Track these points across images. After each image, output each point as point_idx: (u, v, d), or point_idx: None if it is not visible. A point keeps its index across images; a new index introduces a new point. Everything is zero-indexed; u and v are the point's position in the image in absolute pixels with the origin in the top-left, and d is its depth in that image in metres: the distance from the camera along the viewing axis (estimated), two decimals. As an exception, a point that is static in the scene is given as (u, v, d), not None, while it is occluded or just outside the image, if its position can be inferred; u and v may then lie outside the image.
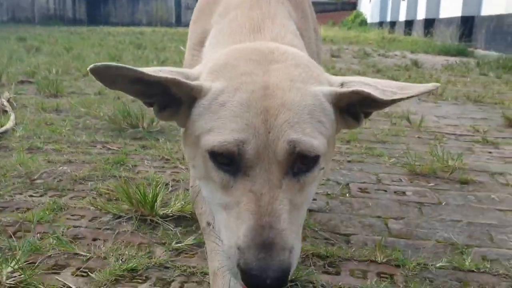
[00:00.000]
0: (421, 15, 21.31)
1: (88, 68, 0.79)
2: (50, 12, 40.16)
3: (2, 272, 1.33)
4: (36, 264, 1.43)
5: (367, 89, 0.88)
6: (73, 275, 1.40)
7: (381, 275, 1.49)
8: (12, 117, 3.24)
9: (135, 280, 1.40)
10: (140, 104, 3.61)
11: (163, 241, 1.63)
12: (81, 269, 1.43)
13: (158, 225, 1.74)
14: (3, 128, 2.95)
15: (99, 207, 1.83)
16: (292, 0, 1.21)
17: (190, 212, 1.80)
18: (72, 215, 1.81)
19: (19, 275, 1.34)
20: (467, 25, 15.80)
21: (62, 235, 1.61)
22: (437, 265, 1.54)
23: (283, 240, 0.75)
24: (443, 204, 2.07)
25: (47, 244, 1.54)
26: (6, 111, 3.50)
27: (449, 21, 17.38)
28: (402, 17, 24.62)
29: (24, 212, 1.80)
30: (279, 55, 0.90)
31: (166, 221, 1.76)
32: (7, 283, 1.32)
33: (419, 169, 2.47)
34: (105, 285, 1.35)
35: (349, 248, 1.64)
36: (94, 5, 46.92)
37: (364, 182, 2.33)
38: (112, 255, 1.50)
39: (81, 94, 4.51)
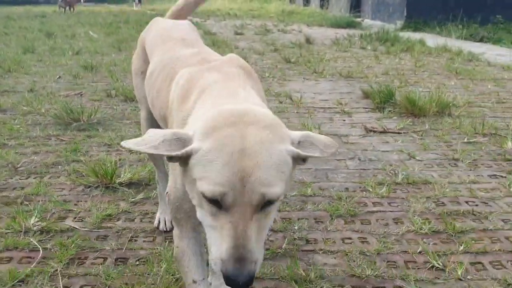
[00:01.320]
0: None
1: (122, 144, 1.14)
2: None
3: (30, 221, 2.21)
4: (47, 217, 2.32)
5: (316, 153, 1.20)
6: (73, 221, 2.31)
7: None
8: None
9: (112, 221, 2.34)
10: (80, 101, 4.37)
11: (123, 198, 2.56)
12: (76, 218, 2.34)
13: (117, 189, 2.67)
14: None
15: (73, 181, 2.72)
16: (252, 76, 1.52)
17: (137, 179, 2.75)
18: (56, 189, 2.67)
19: (41, 223, 2.23)
20: (356, -5, 17.01)
21: (56, 201, 2.50)
22: (292, 194, 2.63)
23: (251, 256, 1.05)
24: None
25: (49, 206, 2.43)
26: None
27: (342, -9, 18.52)
28: None
29: (22, 189, 2.65)
30: (252, 117, 1.15)
31: (122, 186, 2.69)
32: (34, 229, 2.20)
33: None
34: (95, 224, 2.28)
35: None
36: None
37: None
38: (94, 209, 2.42)
39: (15, 92, 5.12)
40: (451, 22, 11.48)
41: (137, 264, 1.96)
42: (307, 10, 20.71)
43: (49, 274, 1.88)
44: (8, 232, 2.19)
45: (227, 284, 1.06)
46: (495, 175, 2.90)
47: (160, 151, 1.12)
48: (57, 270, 1.90)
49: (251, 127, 1.12)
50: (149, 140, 1.14)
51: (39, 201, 2.50)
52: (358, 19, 15.27)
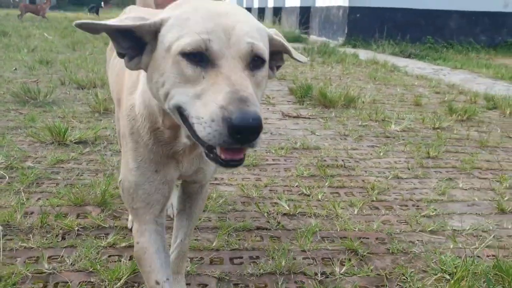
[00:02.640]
0: (270, 3, 23.12)
1: (74, 24, 1.03)
2: None
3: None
4: (10, 160, 2.91)
5: (289, 47, 1.15)
6: (32, 163, 2.92)
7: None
8: None
9: (63, 163, 2.95)
10: (36, 86, 4.89)
11: (73, 151, 3.18)
12: (34, 161, 2.95)
13: (68, 145, 3.28)
14: None
15: (34, 137, 3.32)
16: None
17: (85, 138, 3.37)
18: (17, 144, 3.26)
19: (5, 162, 2.82)
20: (305, 14, 18.08)
21: (17, 150, 3.09)
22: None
23: (254, 99, 0.90)
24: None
25: (12, 153, 3.02)
26: None
27: (292, 10, 19.58)
28: (255, 4, 26.29)
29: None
30: (223, 2, 1.12)
31: (72, 143, 3.31)
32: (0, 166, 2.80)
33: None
34: (49, 164, 2.89)
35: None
36: None
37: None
38: (49, 156, 3.03)
39: (-26, 78, 5.61)
40: (387, 40, 12.63)
41: (83, 186, 2.59)
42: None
43: (14, 191, 2.49)
44: (-21, 168, 2.78)
45: (232, 137, 0.88)
46: (372, 146, 3.71)
47: (124, 23, 1.04)
48: (20, 189, 2.51)
49: (224, 4, 1.09)
50: (110, 21, 1.06)
51: (3, 148, 3.08)
52: (305, 35, 16.28)
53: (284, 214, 2.43)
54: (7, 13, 22.92)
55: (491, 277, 1.82)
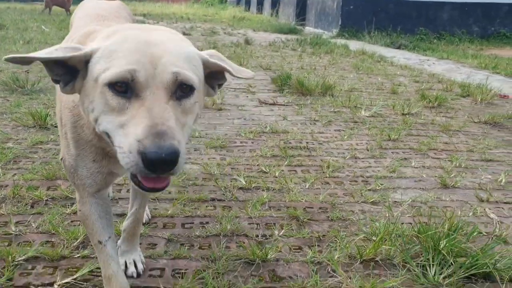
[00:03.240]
0: None
1: (4, 59, 1.08)
2: None
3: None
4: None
5: (226, 66, 1.19)
6: (12, 144, 3.14)
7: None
8: None
9: (42, 144, 3.17)
10: (26, 76, 5.11)
11: (53, 133, 3.40)
12: (15, 142, 3.17)
13: (49, 128, 3.50)
14: None
15: (18, 122, 3.54)
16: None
17: (65, 123, 3.59)
18: (4, 127, 3.48)
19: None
20: (301, 6, 18.21)
21: (4, 133, 3.31)
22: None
23: (173, 133, 0.96)
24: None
25: (7, 130, 3.25)
26: None
27: (289, 2, 19.70)
28: None
29: (-27, 127, 3.45)
30: (158, 29, 1.19)
31: (53, 126, 3.52)
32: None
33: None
34: (28, 145, 3.11)
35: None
36: None
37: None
38: (29, 138, 3.25)
39: (-32, 68, 5.83)
40: (379, 32, 12.78)
41: (57, 163, 2.81)
42: (258, 17, 21.75)
43: (-7, 168, 2.72)
44: (-37, 148, 3.00)
45: (148, 169, 0.97)
46: (339, 130, 3.92)
47: (54, 55, 1.09)
48: (-2, 166, 2.74)
49: (158, 31, 1.16)
50: (42, 52, 1.10)
51: (-12, 131, 3.32)
52: (300, 27, 16.43)
53: (240, 188, 2.64)
54: (8, 6, 23.10)
55: (410, 238, 2.03)
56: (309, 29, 16.25)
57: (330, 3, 15.21)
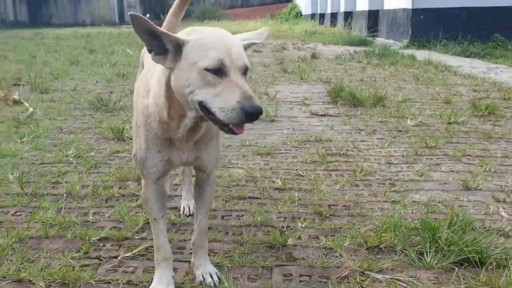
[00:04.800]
0: (342, 8, 23.45)
1: (129, 14, 1.54)
2: (-9, 15, 40.22)
3: (69, 151, 3.70)
4: (79, 152, 3.80)
5: (255, 41, 1.77)
6: (94, 154, 3.79)
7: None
8: (27, 105, 5.50)
9: (118, 153, 3.79)
10: (110, 96, 5.93)
11: (128, 144, 4.02)
12: (97, 152, 3.82)
13: (125, 140, 4.14)
14: (30, 111, 5.22)
15: (100, 135, 4.22)
16: None
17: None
18: (86, 140, 4.17)
19: (74, 152, 3.72)
20: (374, 17, 18.29)
21: (85, 144, 3.99)
22: (235, 144, 4.01)
23: (254, 96, 1.49)
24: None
25: (81, 146, 3.92)
26: (21, 102, 5.74)
27: (362, 14, 19.82)
28: (328, 10, 26.65)
29: (64, 139, 4.16)
30: (215, 27, 1.71)
31: (128, 138, 4.15)
32: (70, 154, 3.69)
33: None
34: (107, 154, 3.74)
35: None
36: (36, 6, 46.61)
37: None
38: (108, 148, 3.89)
39: (62, 91, 6.76)
40: (450, 40, 12.63)
41: (128, 168, 3.39)
42: (332, 31, 21.94)
43: (77, 172, 3.35)
44: (57, 157, 3.68)
45: (246, 119, 1.46)
46: (381, 138, 4.20)
47: (157, 28, 1.55)
48: (82, 170, 3.37)
49: (217, 29, 1.68)
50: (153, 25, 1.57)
51: (74, 143, 4.00)
52: (371, 38, 16.52)
53: (276, 188, 3.06)
54: (99, 31, 25.29)
55: (412, 230, 2.34)
56: (380, 40, 16.28)
57: (401, 13, 15.18)
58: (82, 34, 22.34)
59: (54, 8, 45.80)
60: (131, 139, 4.18)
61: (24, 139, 4.12)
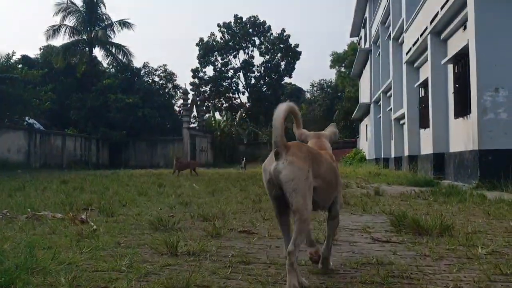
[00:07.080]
0: (406, 152, 23.84)
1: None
2: (77, 158, 44.38)
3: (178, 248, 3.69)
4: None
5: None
6: (163, 262, 3.76)
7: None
8: (92, 223, 5.70)
9: (170, 267, 3.73)
10: (168, 216, 6.05)
11: (180, 259, 3.96)
12: (157, 261, 3.78)
13: (178, 255, 4.09)
14: (93, 228, 5.40)
15: (155, 250, 4.22)
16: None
17: (192, 250, 4.17)
18: (144, 253, 4.16)
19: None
20: (439, 160, 18.26)
21: (142, 256, 3.98)
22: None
23: None
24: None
25: (146, 255, 3.91)
26: (87, 222, 5.97)
27: (427, 157, 19.92)
28: (392, 154, 27.18)
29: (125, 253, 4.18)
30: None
31: (181, 253, 4.10)
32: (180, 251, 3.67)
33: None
34: (162, 266, 3.69)
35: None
36: (116, 151, 51.08)
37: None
38: (162, 261, 3.85)
39: (127, 215, 7.00)
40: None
41: (178, 281, 3.29)
42: (396, 173, 21.90)
43: (127, 279, 3.29)
44: (110, 266, 3.67)
45: None
46: (449, 264, 3.87)
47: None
48: (132, 278, 3.31)
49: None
50: None
51: (128, 256, 4.00)
52: (437, 180, 16.21)
53: (331, 304, 2.82)
54: (161, 172, 26.85)
55: None
56: (447, 182, 15.93)
57: (467, 155, 15.02)
58: (154, 173, 23.77)
59: (132, 152, 49.85)
60: (184, 254, 4.15)
61: (83, 250, 4.19)
